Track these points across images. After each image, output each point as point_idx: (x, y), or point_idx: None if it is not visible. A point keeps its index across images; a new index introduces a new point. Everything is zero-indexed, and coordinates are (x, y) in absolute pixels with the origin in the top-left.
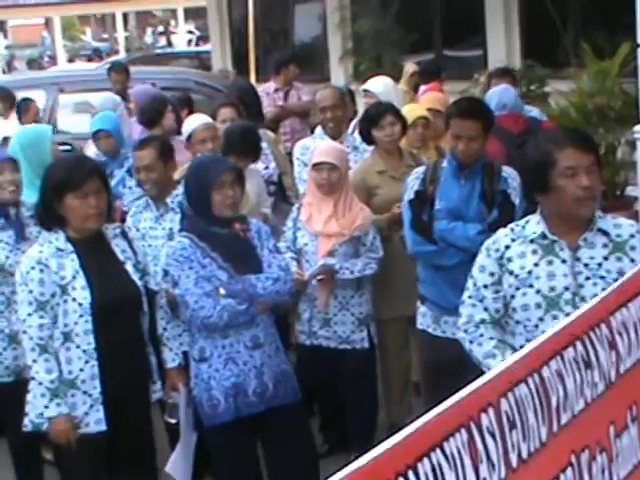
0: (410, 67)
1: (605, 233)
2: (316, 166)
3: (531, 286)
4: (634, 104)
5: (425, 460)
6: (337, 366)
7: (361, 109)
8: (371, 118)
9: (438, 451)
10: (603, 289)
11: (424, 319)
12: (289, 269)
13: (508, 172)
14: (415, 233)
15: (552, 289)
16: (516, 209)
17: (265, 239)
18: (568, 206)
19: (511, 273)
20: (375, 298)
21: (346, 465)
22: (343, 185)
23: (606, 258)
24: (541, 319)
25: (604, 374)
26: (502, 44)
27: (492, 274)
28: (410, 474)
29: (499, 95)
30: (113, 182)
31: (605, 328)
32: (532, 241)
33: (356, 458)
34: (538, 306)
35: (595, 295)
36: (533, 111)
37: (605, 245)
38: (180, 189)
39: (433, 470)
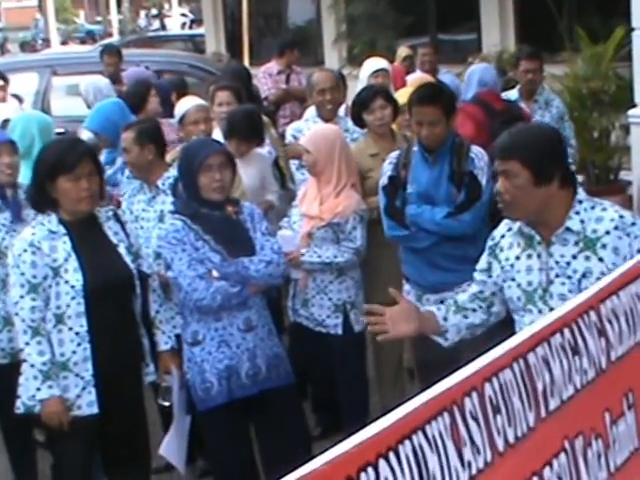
0: (403, 51)
1: (574, 232)
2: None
3: (513, 279)
4: (628, 88)
5: (406, 442)
6: (318, 347)
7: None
8: (362, 101)
9: (420, 434)
10: (569, 290)
11: (408, 297)
12: (282, 252)
13: (475, 152)
14: (389, 218)
15: (529, 284)
16: (482, 189)
17: (257, 222)
18: None
19: (499, 263)
20: (365, 282)
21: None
22: (326, 171)
23: (575, 257)
24: (523, 310)
25: (594, 361)
26: (497, 28)
27: (485, 260)
28: (391, 455)
29: (481, 73)
30: (113, 169)
31: (594, 315)
32: (521, 233)
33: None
34: (519, 299)
35: (562, 294)
36: (556, 100)
37: (576, 243)
38: (172, 171)
39: (414, 452)
